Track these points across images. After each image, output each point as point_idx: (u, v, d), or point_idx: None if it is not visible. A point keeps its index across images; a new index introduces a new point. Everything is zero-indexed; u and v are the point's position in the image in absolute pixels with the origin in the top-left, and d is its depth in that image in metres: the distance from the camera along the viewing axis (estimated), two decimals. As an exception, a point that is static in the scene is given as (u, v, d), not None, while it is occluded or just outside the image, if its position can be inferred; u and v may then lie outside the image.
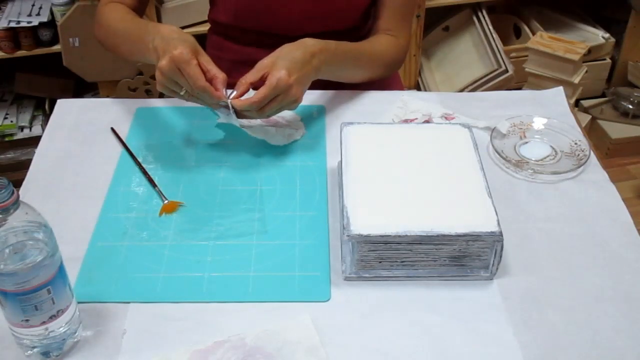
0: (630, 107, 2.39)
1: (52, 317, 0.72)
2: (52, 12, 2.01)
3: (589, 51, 2.25)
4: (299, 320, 0.79)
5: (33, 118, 2.24)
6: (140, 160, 1.03)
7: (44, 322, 0.72)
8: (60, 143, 1.08)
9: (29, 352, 0.75)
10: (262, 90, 0.96)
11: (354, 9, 1.20)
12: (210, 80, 0.94)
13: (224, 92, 0.95)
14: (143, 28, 1.04)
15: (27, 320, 0.71)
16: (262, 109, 0.97)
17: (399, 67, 1.27)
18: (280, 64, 0.97)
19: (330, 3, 1.17)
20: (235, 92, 0.98)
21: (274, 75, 0.96)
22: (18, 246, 0.68)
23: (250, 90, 1.00)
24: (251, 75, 0.99)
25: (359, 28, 1.25)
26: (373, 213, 0.83)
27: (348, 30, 1.23)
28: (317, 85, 1.08)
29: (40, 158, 1.05)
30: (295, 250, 0.88)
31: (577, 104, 2.42)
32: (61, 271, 0.72)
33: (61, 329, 0.74)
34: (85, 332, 0.78)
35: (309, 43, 1.03)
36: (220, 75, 0.95)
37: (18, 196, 0.67)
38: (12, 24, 1.97)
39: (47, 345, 0.74)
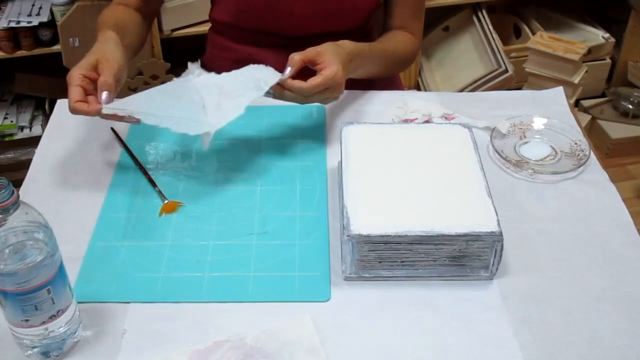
0: (630, 107, 2.39)
1: (52, 317, 0.72)
2: (52, 12, 2.01)
3: (589, 51, 2.25)
4: (299, 320, 0.79)
5: (33, 118, 2.24)
6: (140, 160, 1.03)
7: (44, 322, 0.72)
8: (60, 143, 1.08)
9: (29, 352, 0.75)
10: (318, 79, 0.97)
11: (357, 10, 1.20)
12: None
13: (103, 97, 0.91)
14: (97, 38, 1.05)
15: (27, 320, 0.71)
16: (309, 96, 0.98)
17: (412, 62, 1.30)
18: (334, 59, 0.99)
19: (332, 4, 1.17)
20: (287, 71, 0.98)
21: (331, 68, 0.97)
22: (18, 246, 0.68)
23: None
24: (304, 55, 0.99)
25: (360, 29, 1.25)
26: (373, 213, 0.83)
27: (349, 31, 1.23)
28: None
29: (40, 158, 1.05)
30: (295, 250, 0.88)
31: (577, 104, 2.42)
32: (61, 271, 0.72)
33: (61, 329, 0.74)
34: (85, 332, 0.78)
35: (349, 46, 1.05)
36: (102, 83, 0.92)
37: (18, 196, 0.67)
38: (12, 24, 1.97)
39: (47, 345, 0.74)
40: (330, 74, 0.97)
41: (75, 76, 0.92)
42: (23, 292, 0.69)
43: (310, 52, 1.00)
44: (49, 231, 0.70)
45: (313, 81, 0.97)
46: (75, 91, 0.91)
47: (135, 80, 2.08)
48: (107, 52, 0.96)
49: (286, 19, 1.18)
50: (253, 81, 0.98)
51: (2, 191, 0.65)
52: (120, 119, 0.92)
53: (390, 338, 0.78)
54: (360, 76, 1.15)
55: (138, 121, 0.92)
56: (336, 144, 0.99)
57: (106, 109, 0.90)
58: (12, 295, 0.69)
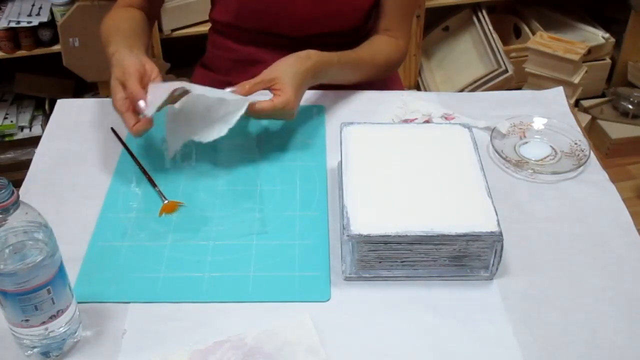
0: (630, 107, 2.39)
1: (52, 317, 0.72)
2: (52, 12, 2.01)
3: (589, 51, 2.25)
4: (299, 320, 0.79)
5: (33, 118, 2.24)
6: (140, 160, 1.03)
7: (44, 322, 0.72)
8: (60, 143, 1.08)
9: (29, 352, 0.75)
10: (268, 105, 0.98)
11: (355, 10, 1.20)
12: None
13: (141, 106, 0.93)
14: (109, 52, 1.04)
15: (27, 320, 0.71)
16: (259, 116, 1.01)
17: (398, 68, 1.28)
18: (288, 86, 1.00)
19: (332, 4, 1.17)
20: (234, 89, 1.00)
21: (283, 97, 0.99)
22: (18, 246, 0.68)
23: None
24: (255, 86, 1.01)
25: (360, 28, 1.25)
26: (373, 213, 0.83)
27: (349, 31, 1.23)
28: (317, 85, 1.08)
29: (40, 158, 1.05)
30: (295, 250, 0.88)
31: (577, 104, 2.42)
32: (61, 271, 0.72)
33: (61, 329, 0.74)
34: (85, 332, 0.78)
35: (313, 59, 1.05)
36: (130, 95, 0.94)
37: (18, 196, 0.67)
38: (12, 24, 1.97)
39: (47, 345, 0.74)
40: (280, 103, 0.99)
41: (119, 105, 0.94)
42: (23, 292, 0.69)
43: (266, 76, 1.01)
44: (48, 231, 0.70)
45: (265, 106, 0.99)
46: (127, 117, 0.94)
47: (135, 80, 2.08)
48: (123, 63, 0.96)
49: (286, 19, 1.18)
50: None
51: (2, 191, 0.65)
52: (173, 100, 0.96)
53: (390, 338, 0.78)
54: (335, 82, 1.14)
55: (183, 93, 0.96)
56: (336, 144, 0.99)
57: (150, 111, 0.92)
58: (12, 295, 0.69)
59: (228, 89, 1.00)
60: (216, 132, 0.97)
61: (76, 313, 0.76)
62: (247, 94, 1.01)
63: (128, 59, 0.97)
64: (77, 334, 0.77)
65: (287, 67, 1.02)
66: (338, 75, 1.13)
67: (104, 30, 1.13)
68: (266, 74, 1.02)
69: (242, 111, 0.97)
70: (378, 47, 1.19)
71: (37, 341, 0.73)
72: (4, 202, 0.65)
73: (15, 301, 0.69)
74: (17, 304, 0.70)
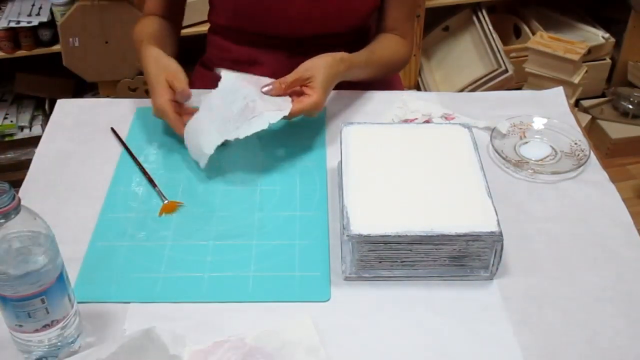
0: (630, 107, 2.39)
1: (46, 327, 0.71)
2: (52, 12, 2.01)
3: (589, 51, 2.25)
4: (299, 320, 0.79)
5: (33, 118, 2.24)
6: (140, 160, 1.03)
7: (37, 330, 0.71)
8: (60, 143, 1.08)
9: (25, 355, 0.74)
10: (298, 107, 1.00)
11: (355, 11, 1.20)
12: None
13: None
14: (142, 54, 1.10)
15: (20, 326, 0.70)
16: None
17: (406, 65, 1.30)
18: (319, 87, 1.02)
19: (330, 6, 1.17)
20: (269, 87, 1.02)
21: (312, 98, 1.01)
22: (17, 252, 0.67)
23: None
24: (292, 85, 1.02)
25: (359, 29, 1.25)
26: (373, 213, 0.83)
27: (348, 32, 1.22)
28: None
29: (40, 158, 1.05)
30: (295, 250, 0.88)
31: (577, 104, 2.42)
32: (60, 282, 0.70)
33: (55, 338, 0.73)
34: (85, 339, 0.77)
35: (346, 62, 1.08)
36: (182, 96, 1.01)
37: (19, 201, 0.65)
38: (12, 24, 1.97)
39: (44, 352, 0.73)
40: (309, 105, 1.01)
41: (168, 107, 1.00)
42: (16, 298, 0.68)
43: (302, 74, 1.03)
44: (49, 240, 0.69)
45: (295, 109, 1.00)
46: (176, 120, 1.00)
47: (136, 80, 2.08)
48: (169, 67, 1.04)
49: (284, 21, 1.18)
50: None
51: (3, 196, 0.64)
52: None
53: (390, 338, 0.78)
54: (354, 80, 1.15)
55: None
56: (336, 144, 0.99)
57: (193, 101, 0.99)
58: (8, 299, 0.68)
59: (264, 89, 1.01)
60: (254, 127, 0.96)
61: (75, 323, 0.74)
62: (284, 93, 1.02)
63: (174, 63, 1.05)
64: (76, 343, 0.75)
65: (323, 68, 1.04)
66: (359, 75, 1.15)
67: (134, 36, 1.19)
68: (302, 71, 1.03)
69: (282, 114, 0.98)
70: (390, 46, 1.22)
71: (31, 346, 0.72)
72: (4, 207, 0.64)
73: (10, 305, 0.69)
74: (11, 309, 0.69)
